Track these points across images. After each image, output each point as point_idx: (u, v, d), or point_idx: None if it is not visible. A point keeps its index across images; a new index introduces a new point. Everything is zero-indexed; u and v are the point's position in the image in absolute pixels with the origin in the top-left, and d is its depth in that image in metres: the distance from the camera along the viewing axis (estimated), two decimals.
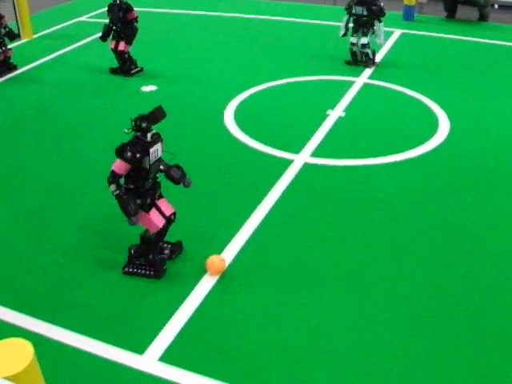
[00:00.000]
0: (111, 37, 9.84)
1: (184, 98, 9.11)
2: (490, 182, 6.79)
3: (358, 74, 9.96)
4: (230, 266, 5.42)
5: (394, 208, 6.31)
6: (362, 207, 6.33)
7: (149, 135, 4.94)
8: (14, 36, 10.21)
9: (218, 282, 5.22)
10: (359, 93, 9.30)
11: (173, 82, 9.70)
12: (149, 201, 5.11)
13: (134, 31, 9.73)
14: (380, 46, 10.76)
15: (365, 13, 10.05)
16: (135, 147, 4.86)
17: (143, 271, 5.27)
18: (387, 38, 11.92)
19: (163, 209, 5.24)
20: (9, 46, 10.26)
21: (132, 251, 5.31)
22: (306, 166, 7.11)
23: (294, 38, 12.17)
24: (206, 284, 5.19)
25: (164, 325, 4.77)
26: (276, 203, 6.37)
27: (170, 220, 5.31)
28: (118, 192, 4.95)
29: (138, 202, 4.99)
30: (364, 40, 10.18)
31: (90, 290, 5.15)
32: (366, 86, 9.59)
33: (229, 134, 7.90)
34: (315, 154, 7.40)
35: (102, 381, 4.31)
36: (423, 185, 6.74)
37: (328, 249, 5.67)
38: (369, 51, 10.28)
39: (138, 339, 4.64)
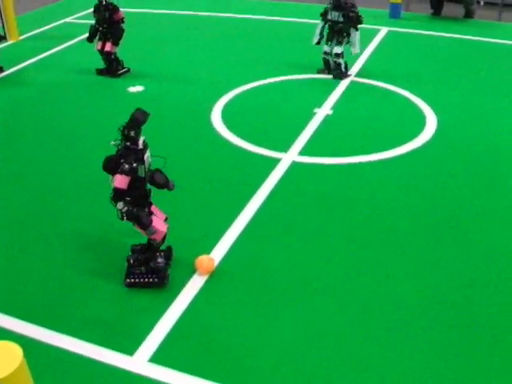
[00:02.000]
0: (97, 38, 9.81)
1: (171, 98, 9.10)
2: (479, 178, 6.83)
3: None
4: (219, 265, 5.43)
5: (383, 206, 6.34)
6: (351, 205, 6.35)
7: (140, 142, 4.85)
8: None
9: (207, 282, 5.23)
10: (346, 91, 9.32)
11: (160, 83, 9.69)
12: (146, 209, 5.05)
13: (121, 32, 9.70)
14: (356, 56, 10.34)
15: (341, 19, 9.44)
16: (129, 158, 4.77)
17: (146, 279, 5.16)
18: (374, 36, 11.98)
19: (158, 215, 5.20)
20: None
21: (131, 261, 5.20)
22: (294, 165, 7.12)
23: (280, 36, 12.18)
24: (195, 284, 5.20)
25: (153, 326, 4.77)
26: (264, 202, 6.38)
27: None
28: (126, 208, 4.85)
29: (125, 208, 4.90)
30: (338, 49, 9.58)
31: (79, 294, 5.13)
32: (352, 84, 9.61)
33: (216, 134, 7.90)
34: (303, 152, 7.41)
35: (91, 382, 4.30)
36: (411, 182, 6.77)
37: (317, 247, 5.69)
38: (341, 62, 9.72)
39: (128, 340, 4.64)
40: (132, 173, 4.78)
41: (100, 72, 10.04)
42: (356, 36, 9.51)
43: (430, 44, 11.79)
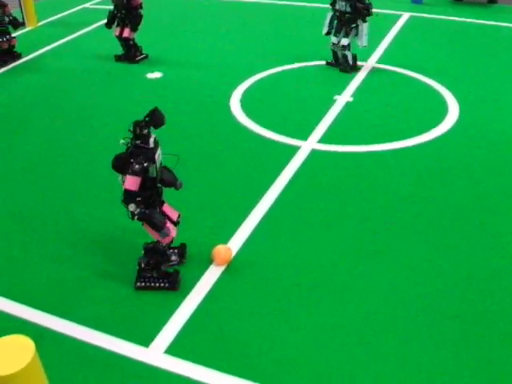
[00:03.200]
0: (116, 24, 9.74)
1: (189, 84, 9.01)
2: (501, 169, 6.67)
3: (365, 59, 9.82)
4: (235, 256, 5.35)
5: (404, 195, 6.22)
6: (371, 194, 6.23)
7: (151, 140, 4.65)
8: (18, 24, 10.11)
9: (224, 274, 5.16)
10: (367, 78, 9.18)
11: (178, 69, 9.61)
12: (158, 209, 4.89)
13: (139, 18, 9.63)
14: (377, 43, 10.14)
15: (348, 9, 9.04)
16: (139, 157, 4.59)
17: (157, 284, 5.02)
18: (396, 21, 11.79)
19: (170, 215, 5.02)
20: (13, 35, 10.19)
21: (142, 265, 5.05)
22: (314, 153, 7.01)
23: (299, 22, 12.05)
24: (211, 276, 5.12)
25: (169, 317, 4.71)
26: (283, 191, 6.28)
27: (176, 224, 5.11)
28: (139, 210, 4.69)
29: (138, 209, 4.73)
30: (344, 41, 9.22)
31: (94, 289, 5.06)
32: (374, 70, 9.46)
33: (235, 121, 7.81)
34: (323, 140, 7.30)
35: (107, 374, 4.26)
36: (433, 171, 6.63)
37: (337, 238, 5.59)
38: (348, 54, 9.34)
39: (144, 332, 4.58)
40: (143, 173, 4.61)
41: (118, 58, 9.99)
42: (364, 28, 9.10)
43: (453, 30, 11.58)
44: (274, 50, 10.38)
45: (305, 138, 7.32)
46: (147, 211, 4.72)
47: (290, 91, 8.75)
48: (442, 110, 8.03)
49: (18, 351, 3.00)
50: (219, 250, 5.25)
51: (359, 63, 9.56)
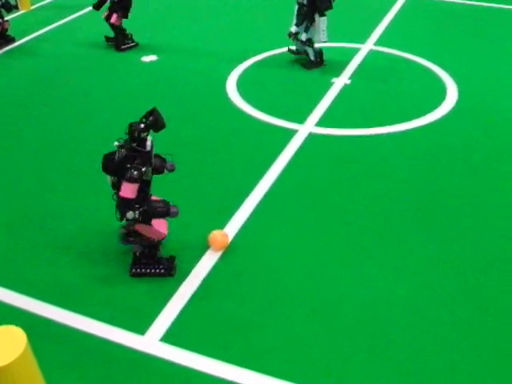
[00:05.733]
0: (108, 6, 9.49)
1: (185, 68, 8.89)
2: (500, 152, 6.60)
3: (363, 41, 9.70)
4: (232, 241, 5.29)
5: (401, 178, 6.15)
6: (369, 178, 6.17)
7: (148, 143, 4.44)
8: (11, 7, 9.93)
9: (221, 258, 5.09)
10: (365, 60, 9.06)
11: (173, 52, 9.46)
12: (146, 207, 4.65)
13: (128, 4, 9.39)
14: (373, 25, 9.85)
15: (305, 2, 8.37)
16: (136, 162, 4.38)
17: (153, 270, 4.90)
18: (394, 3, 11.64)
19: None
20: (6, 18, 10.02)
21: (138, 253, 4.92)
22: (312, 136, 6.93)
23: (294, 3, 11.88)
24: (209, 261, 5.06)
25: (165, 304, 4.66)
26: (281, 174, 6.21)
27: (173, 216, 4.88)
28: (138, 213, 4.52)
29: (137, 215, 4.56)
30: (303, 36, 8.57)
31: (91, 275, 5.00)
32: (372, 52, 9.34)
33: (232, 105, 7.71)
34: (320, 123, 7.21)
35: (102, 362, 4.21)
36: (431, 154, 6.56)
37: (334, 222, 5.53)
38: (309, 50, 8.74)
39: (139, 320, 4.53)
40: (141, 179, 4.43)
41: (108, 40, 9.78)
42: (320, 23, 8.42)
43: (452, 12, 11.42)
44: (270, 32, 10.22)
45: (302, 121, 7.23)
46: (145, 208, 4.57)
47: (286, 74, 8.63)
48: (441, 93, 7.93)
49: (9, 343, 2.94)
50: (215, 235, 5.18)
51: (354, 45, 9.47)
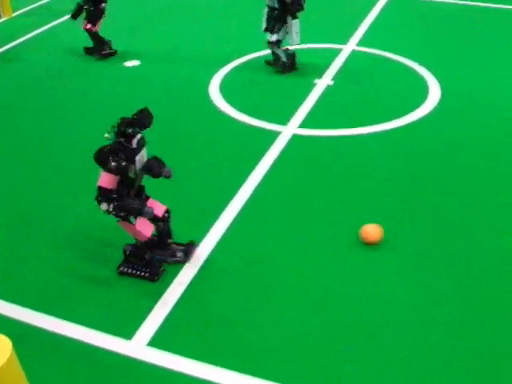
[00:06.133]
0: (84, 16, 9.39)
1: (168, 72, 8.87)
2: (483, 149, 6.64)
3: (346, 41, 9.73)
4: (217, 244, 5.29)
5: (386, 178, 6.19)
6: (354, 178, 6.20)
7: (134, 141, 4.46)
8: None
9: (207, 262, 5.10)
10: (348, 60, 9.09)
11: (155, 57, 9.42)
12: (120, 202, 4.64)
13: (99, 13, 9.24)
14: (356, 24, 9.84)
15: (276, 5, 8.26)
16: (118, 155, 4.42)
17: (138, 272, 4.94)
18: (375, 3, 11.67)
19: (155, 211, 4.78)
20: None
21: (127, 252, 4.96)
22: (295, 138, 6.95)
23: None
24: (193, 266, 5.06)
25: (152, 308, 4.65)
26: (265, 176, 6.22)
27: (164, 219, 4.97)
28: (112, 206, 4.53)
29: (124, 214, 4.60)
30: (272, 37, 8.39)
31: (75, 281, 4.99)
32: (354, 52, 9.37)
33: (215, 108, 7.71)
34: (304, 124, 7.23)
35: (89, 368, 4.20)
36: (414, 153, 6.61)
37: (319, 222, 5.54)
38: (279, 52, 8.62)
39: (126, 324, 4.53)
40: (120, 172, 4.46)
41: (87, 50, 9.66)
42: (293, 25, 8.32)
43: (435, 11, 11.47)
44: (252, 35, 10.21)
45: (285, 123, 7.25)
46: (120, 202, 4.56)
47: (268, 76, 8.64)
48: (424, 92, 7.97)
49: None
50: (367, 230, 5.24)
51: (339, 46, 9.49)
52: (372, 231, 5.22)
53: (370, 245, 5.17)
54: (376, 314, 4.55)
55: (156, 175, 4.67)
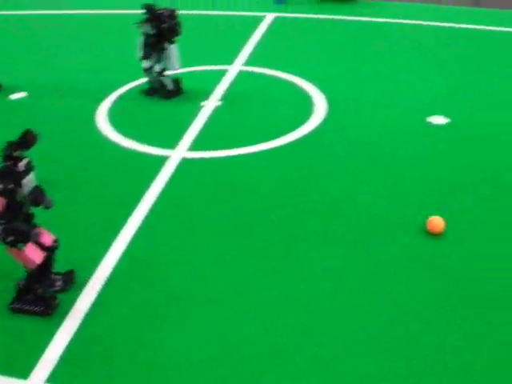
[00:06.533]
0: None
1: (53, 105, 8.70)
2: (369, 166, 6.89)
3: (231, 62, 9.91)
4: (111, 274, 5.28)
5: (272, 195, 6.34)
6: (245, 197, 6.32)
7: (21, 164, 4.49)
8: None
9: (102, 293, 5.06)
10: (235, 80, 9.25)
11: (41, 90, 9.17)
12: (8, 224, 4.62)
13: None
14: (241, 44, 10.05)
15: (151, 32, 8.32)
16: (5, 178, 4.42)
17: (32, 307, 4.85)
18: (260, 23, 11.91)
19: (43, 240, 4.75)
20: None
21: (20, 286, 4.88)
22: (185, 161, 7.01)
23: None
24: (89, 296, 5.02)
25: (48, 344, 4.57)
26: (156, 202, 6.24)
27: (53, 248, 4.88)
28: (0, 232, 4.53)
29: (12, 238, 4.55)
30: (157, 67, 8.54)
31: None
32: (241, 72, 9.55)
33: (101, 136, 7.66)
34: (193, 147, 7.31)
35: None
36: (300, 169, 6.81)
37: (211, 243, 5.63)
38: (165, 80, 8.69)
39: (22, 363, 4.43)
40: (6, 194, 4.45)
41: None
42: (171, 50, 8.44)
43: (319, 28, 11.85)
44: (136, 64, 10.19)
45: (174, 147, 7.31)
46: (6, 226, 4.53)
47: (155, 102, 8.68)
48: (310, 108, 8.21)
49: None
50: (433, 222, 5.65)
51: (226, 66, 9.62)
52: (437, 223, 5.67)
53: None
54: (275, 320, 4.64)
55: (38, 203, 4.67)
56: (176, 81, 8.80)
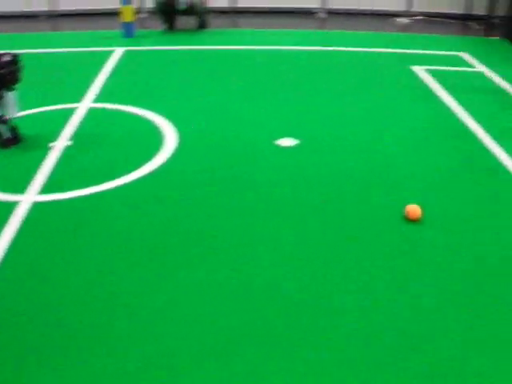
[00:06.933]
0: None
1: None
2: (227, 190, 6.95)
3: (79, 100, 9.70)
4: None
5: (124, 236, 6.18)
6: (103, 237, 6.14)
7: None
8: None
9: None
10: (85, 118, 9.04)
11: None
12: None
13: None
14: (90, 80, 9.92)
15: None
16: None
17: None
18: (108, 58, 11.80)
19: None
20: None
21: None
22: (36, 206, 6.69)
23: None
24: None
25: None
26: (6, 253, 5.87)
27: None
28: None
29: None
30: None
31: None
32: (91, 110, 9.37)
33: None
34: (44, 190, 7.01)
35: None
36: (156, 201, 6.75)
37: (78, 289, 5.38)
38: (2, 128, 8.13)
39: None
40: None
41: None
42: (9, 97, 8.02)
43: (168, 59, 11.92)
44: None
45: (23, 191, 6.98)
46: None
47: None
48: (161, 141, 8.17)
49: None
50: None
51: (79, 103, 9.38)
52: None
53: None
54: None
55: None
56: (14, 128, 8.26)
